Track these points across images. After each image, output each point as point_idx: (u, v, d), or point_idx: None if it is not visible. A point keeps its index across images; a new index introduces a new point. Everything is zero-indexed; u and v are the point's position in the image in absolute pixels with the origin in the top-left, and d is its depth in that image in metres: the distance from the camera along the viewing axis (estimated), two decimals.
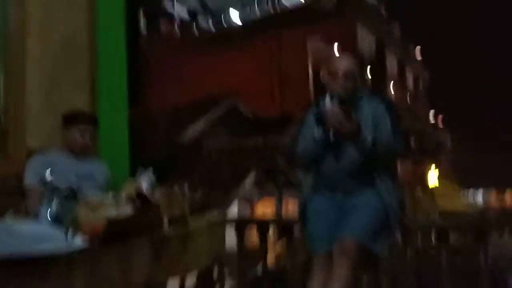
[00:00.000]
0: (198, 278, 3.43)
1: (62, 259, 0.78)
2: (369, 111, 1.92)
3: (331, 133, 1.84)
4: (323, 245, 1.83)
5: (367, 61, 14.35)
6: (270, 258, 7.91)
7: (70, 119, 2.44)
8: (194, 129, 9.24)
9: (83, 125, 2.42)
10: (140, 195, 1.10)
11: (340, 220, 1.86)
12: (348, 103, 1.91)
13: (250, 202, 9.54)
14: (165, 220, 1.12)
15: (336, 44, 12.33)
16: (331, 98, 1.86)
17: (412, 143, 14.73)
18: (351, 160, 1.87)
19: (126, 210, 0.99)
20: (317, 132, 1.89)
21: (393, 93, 16.69)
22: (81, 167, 2.43)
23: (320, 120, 1.81)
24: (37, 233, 0.77)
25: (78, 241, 0.86)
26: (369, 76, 14.55)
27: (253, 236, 3.31)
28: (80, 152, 2.43)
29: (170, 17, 16.91)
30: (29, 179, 2.07)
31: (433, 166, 18.03)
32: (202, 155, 8.99)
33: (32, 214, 1.24)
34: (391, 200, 1.86)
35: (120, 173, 2.30)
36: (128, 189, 1.21)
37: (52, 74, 2.79)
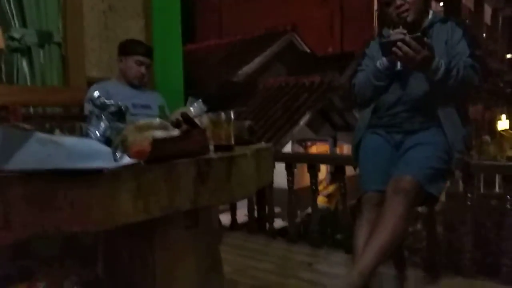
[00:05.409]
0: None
1: (109, 173, 0.81)
2: (443, 37, 1.74)
3: (398, 63, 1.72)
4: (374, 183, 1.76)
5: None
6: (322, 199, 7.99)
7: (127, 49, 2.48)
8: (249, 66, 9.13)
9: (140, 56, 2.45)
10: (187, 119, 1.09)
11: (396, 160, 1.77)
12: (417, 29, 1.74)
13: (303, 144, 9.51)
14: (211, 146, 1.11)
15: None
16: (396, 27, 1.71)
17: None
18: (417, 92, 1.73)
19: (173, 133, 1.00)
20: (380, 63, 1.76)
21: None
22: (138, 97, 2.49)
23: (386, 50, 1.66)
24: (85, 149, 0.79)
25: (126, 160, 0.88)
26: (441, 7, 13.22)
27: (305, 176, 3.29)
28: (137, 83, 2.50)
29: None
30: (89, 108, 2.19)
31: (505, 109, 16.62)
32: (257, 93, 8.95)
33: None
34: (455, 137, 1.71)
35: (175, 106, 2.34)
36: (176, 114, 1.21)
37: (108, 1, 2.81)
